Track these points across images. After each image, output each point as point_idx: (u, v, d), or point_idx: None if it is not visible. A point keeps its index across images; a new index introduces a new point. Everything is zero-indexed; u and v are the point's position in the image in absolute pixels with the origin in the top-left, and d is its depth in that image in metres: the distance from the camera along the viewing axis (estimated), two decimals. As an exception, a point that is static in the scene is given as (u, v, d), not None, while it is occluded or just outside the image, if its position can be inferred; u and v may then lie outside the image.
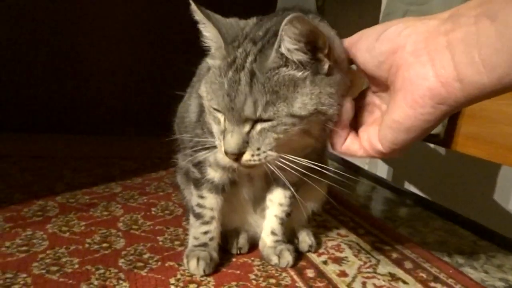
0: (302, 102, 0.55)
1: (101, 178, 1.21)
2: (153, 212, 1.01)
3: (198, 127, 0.75)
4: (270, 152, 0.58)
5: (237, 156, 0.58)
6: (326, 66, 0.55)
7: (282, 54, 0.54)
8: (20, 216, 0.91)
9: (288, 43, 0.53)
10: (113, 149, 1.58)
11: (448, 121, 1.14)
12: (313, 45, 0.54)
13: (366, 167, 1.78)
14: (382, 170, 1.91)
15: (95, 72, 1.81)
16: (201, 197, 0.77)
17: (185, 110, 0.85)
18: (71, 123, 1.78)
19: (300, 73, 0.55)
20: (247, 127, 0.57)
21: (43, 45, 1.70)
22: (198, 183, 0.77)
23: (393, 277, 0.80)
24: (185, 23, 0.61)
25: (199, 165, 0.76)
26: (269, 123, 0.56)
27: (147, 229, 0.91)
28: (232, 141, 0.57)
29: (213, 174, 0.75)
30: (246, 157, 0.58)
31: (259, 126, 0.57)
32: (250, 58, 0.56)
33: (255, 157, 0.58)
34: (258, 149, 0.57)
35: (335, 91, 0.56)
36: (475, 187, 1.56)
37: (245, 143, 0.57)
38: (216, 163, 0.73)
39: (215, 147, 0.64)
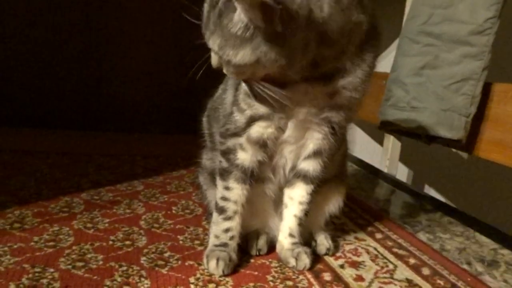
0: (243, 55, 0.60)
1: (124, 175, 1.25)
2: (174, 211, 1.03)
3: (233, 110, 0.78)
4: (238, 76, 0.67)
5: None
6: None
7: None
8: (48, 212, 0.95)
9: (240, 11, 0.57)
10: (136, 147, 1.62)
11: (471, 125, 1.13)
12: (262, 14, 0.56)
13: (385, 170, 1.77)
14: (401, 173, 1.90)
15: (120, 70, 1.86)
16: (227, 188, 0.78)
17: (219, 103, 0.88)
18: (96, 120, 1.84)
19: (247, 33, 0.59)
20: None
21: (70, 44, 1.76)
22: (225, 173, 0.79)
23: (410, 283, 0.80)
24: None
25: (227, 153, 0.78)
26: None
27: (168, 228, 0.93)
28: (211, 59, 0.68)
29: (244, 157, 0.77)
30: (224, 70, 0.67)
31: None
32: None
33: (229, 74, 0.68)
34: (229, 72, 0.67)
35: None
36: (498, 193, 1.54)
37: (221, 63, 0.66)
38: (248, 138, 0.75)
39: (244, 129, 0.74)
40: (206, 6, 0.64)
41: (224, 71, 0.67)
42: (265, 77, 0.66)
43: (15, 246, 0.78)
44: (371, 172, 1.68)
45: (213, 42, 0.63)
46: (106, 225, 0.92)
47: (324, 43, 0.64)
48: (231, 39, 0.60)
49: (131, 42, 1.85)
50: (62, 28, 1.74)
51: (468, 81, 1.09)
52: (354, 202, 1.21)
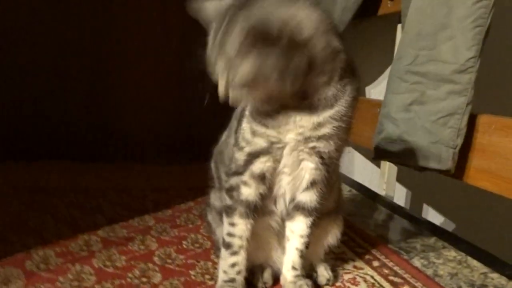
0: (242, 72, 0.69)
1: (136, 211, 1.33)
2: (184, 246, 1.11)
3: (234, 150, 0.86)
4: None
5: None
6: None
7: None
8: (69, 251, 1.03)
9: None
10: (145, 180, 1.70)
11: (460, 155, 1.21)
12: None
13: (383, 193, 1.85)
14: (399, 193, 1.98)
15: (126, 102, 1.95)
16: (232, 224, 0.86)
17: (224, 146, 0.97)
18: (103, 151, 1.93)
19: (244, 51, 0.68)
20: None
21: (77, 75, 1.87)
22: (229, 210, 0.86)
23: (404, 311, 0.87)
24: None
25: (231, 190, 0.86)
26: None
27: (180, 263, 1.01)
28: (219, 91, 0.74)
29: (247, 192, 0.84)
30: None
31: None
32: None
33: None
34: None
35: None
36: (491, 215, 1.61)
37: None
38: (251, 174, 0.83)
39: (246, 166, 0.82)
40: (211, 35, 0.73)
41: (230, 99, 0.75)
42: (264, 99, 0.76)
43: (44, 287, 0.86)
44: (369, 197, 1.76)
45: (219, 66, 0.71)
46: (123, 262, 0.99)
47: (312, 69, 0.73)
48: (230, 62, 0.69)
49: (137, 73, 1.94)
50: (69, 61, 1.84)
51: (454, 116, 1.17)
52: (353, 230, 1.28)
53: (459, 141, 1.18)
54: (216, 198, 0.98)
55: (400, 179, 1.92)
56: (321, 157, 0.82)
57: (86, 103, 1.90)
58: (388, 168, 1.81)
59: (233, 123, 0.94)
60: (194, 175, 1.79)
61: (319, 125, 0.78)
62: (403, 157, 1.24)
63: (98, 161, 1.87)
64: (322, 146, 0.80)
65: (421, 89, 1.21)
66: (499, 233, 1.53)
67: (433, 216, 2.01)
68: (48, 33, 1.81)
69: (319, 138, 0.79)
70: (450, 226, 1.94)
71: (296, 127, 0.78)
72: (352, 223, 1.34)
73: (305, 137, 0.79)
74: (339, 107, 0.77)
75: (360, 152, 2.11)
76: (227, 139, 0.97)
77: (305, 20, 0.70)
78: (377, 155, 1.31)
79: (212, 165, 1.02)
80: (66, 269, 0.94)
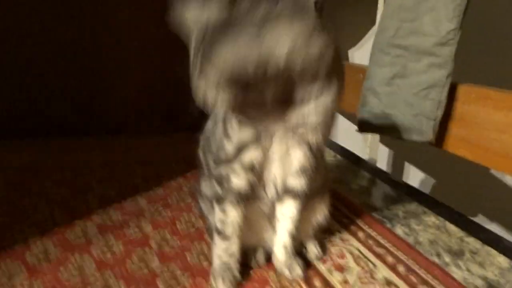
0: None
1: (127, 189, 1.35)
2: (178, 227, 1.15)
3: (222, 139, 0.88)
4: None
5: None
6: None
7: None
8: (66, 239, 1.06)
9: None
10: (132, 153, 1.72)
11: (440, 123, 1.25)
12: None
13: (366, 156, 1.91)
14: (382, 158, 2.04)
15: (107, 72, 1.92)
16: (223, 211, 0.90)
17: (211, 133, 0.98)
18: (86, 125, 1.92)
19: None
20: None
21: (58, 51, 1.82)
22: (220, 198, 0.90)
23: (388, 282, 0.94)
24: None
25: (221, 179, 0.89)
26: None
27: (175, 246, 1.05)
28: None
29: (237, 181, 0.87)
30: None
31: None
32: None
33: None
34: None
35: None
36: (466, 179, 1.68)
37: None
38: (241, 163, 0.85)
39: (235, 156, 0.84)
40: (192, 49, 0.72)
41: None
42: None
43: (46, 279, 0.90)
44: (353, 161, 1.81)
45: (199, 86, 0.71)
46: (121, 248, 1.03)
47: (292, 82, 0.73)
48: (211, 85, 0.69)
49: (116, 44, 1.90)
50: (48, 36, 1.79)
51: (435, 88, 1.20)
52: (339, 199, 1.34)
53: (439, 113, 1.22)
54: (206, 187, 1.01)
55: (382, 140, 1.97)
56: (309, 145, 0.85)
57: (66, 78, 1.86)
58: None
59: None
60: (179, 146, 1.81)
61: (305, 116, 0.80)
62: (386, 130, 1.27)
63: (81, 137, 1.86)
64: (309, 137, 0.82)
65: (403, 62, 1.22)
66: (474, 196, 1.62)
67: (414, 175, 2.10)
68: (30, 14, 1.74)
69: (306, 129, 0.81)
70: (429, 186, 2.03)
71: (282, 119, 0.80)
72: (337, 192, 1.39)
73: (292, 127, 0.81)
74: (326, 98, 0.78)
75: (344, 116, 2.14)
76: (213, 126, 0.98)
77: (279, 46, 0.67)
78: (361, 128, 1.35)
79: (200, 153, 1.03)
80: (65, 259, 0.98)
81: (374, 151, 1.93)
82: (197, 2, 0.74)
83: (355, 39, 2.06)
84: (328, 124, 0.84)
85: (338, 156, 1.88)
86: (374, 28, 1.78)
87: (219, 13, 0.70)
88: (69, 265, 0.95)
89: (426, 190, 1.83)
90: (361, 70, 1.59)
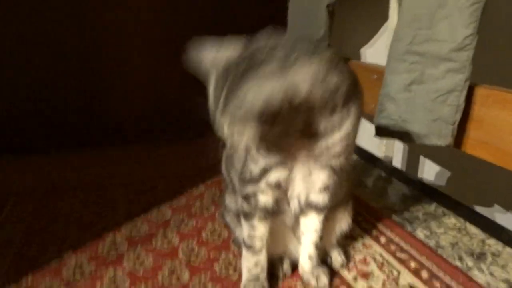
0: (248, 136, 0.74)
1: (151, 203, 1.39)
2: (203, 238, 1.19)
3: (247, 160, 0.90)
4: None
5: None
6: None
7: None
8: (98, 255, 1.10)
9: None
10: (152, 168, 1.74)
11: (458, 126, 1.26)
12: None
13: (382, 155, 1.92)
14: (397, 159, 2.05)
15: (119, 82, 1.93)
16: (252, 227, 0.93)
17: (233, 151, 1.00)
18: (100, 136, 1.93)
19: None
20: None
21: (70, 66, 1.84)
22: (248, 215, 0.93)
23: (412, 288, 0.97)
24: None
25: (248, 197, 0.92)
26: None
27: (204, 258, 1.09)
28: None
29: (264, 199, 0.90)
30: None
31: None
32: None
33: None
34: None
35: None
36: (486, 180, 1.69)
37: None
38: (267, 183, 0.88)
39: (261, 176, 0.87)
40: (212, 90, 0.76)
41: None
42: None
43: (84, 296, 0.94)
44: (369, 161, 1.83)
45: (223, 122, 0.74)
46: (151, 261, 1.07)
47: (312, 111, 0.76)
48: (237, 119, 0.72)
49: (125, 55, 1.90)
50: (59, 54, 1.80)
51: (453, 93, 1.21)
52: (358, 203, 1.36)
53: (458, 117, 1.22)
54: (231, 201, 1.04)
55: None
56: (333, 169, 0.87)
57: (70, 86, 1.86)
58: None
59: None
60: (195, 154, 1.82)
61: (328, 147, 0.83)
62: (404, 136, 1.28)
63: (94, 148, 1.88)
64: (333, 162, 0.86)
65: (420, 68, 1.23)
66: (492, 196, 1.62)
67: (429, 172, 2.11)
68: (30, 14, 1.74)
69: (329, 157, 0.84)
70: (444, 182, 2.03)
71: (306, 154, 0.84)
72: (357, 195, 1.41)
73: (316, 155, 0.84)
74: (346, 128, 0.81)
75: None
76: None
77: (301, 82, 0.71)
78: (379, 133, 1.36)
79: (223, 168, 1.06)
80: (100, 275, 1.02)
81: (390, 149, 1.94)
82: (213, 44, 0.78)
83: (367, 37, 2.06)
84: (350, 149, 0.87)
85: (354, 155, 1.89)
86: (386, 25, 1.78)
87: (238, 53, 0.74)
88: (104, 279, 0.99)
89: (442, 186, 1.84)
90: (375, 70, 1.60)
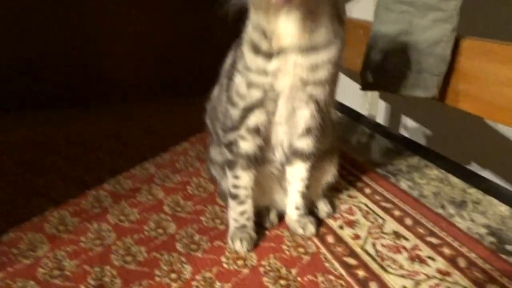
0: None
1: (134, 158, 1.36)
2: (189, 191, 1.18)
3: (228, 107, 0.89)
4: None
5: None
6: None
7: None
8: (82, 210, 1.08)
9: None
10: (136, 123, 1.71)
11: (444, 79, 1.26)
12: None
13: (366, 112, 1.92)
14: (380, 112, 2.06)
15: (107, 37, 1.88)
16: (236, 177, 0.92)
17: (217, 103, 0.99)
18: (87, 94, 1.90)
19: None
20: None
21: (57, 18, 1.76)
22: (231, 164, 0.92)
23: (397, 234, 0.99)
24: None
25: (230, 145, 0.91)
26: None
27: (190, 210, 1.08)
28: None
29: (245, 146, 0.90)
30: None
31: None
32: None
33: None
34: None
35: None
36: (467, 131, 1.71)
37: None
38: (247, 129, 0.87)
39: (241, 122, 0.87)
40: None
41: None
42: None
43: (69, 249, 0.92)
44: (353, 118, 1.83)
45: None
46: (137, 215, 1.06)
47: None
48: None
49: (116, 9, 1.84)
50: (45, 3, 1.73)
51: (440, 44, 1.20)
52: (344, 158, 1.36)
53: (444, 68, 1.22)
54: (216, 153, 1.03)
55: (382, 96, 1.98)
56: (317, 104, 0.86)
57: (62, 45, 1.81)
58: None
59: (223, 80, 0.96)
60: (180, 111, 1.81)
61: (317, 67, 0.81)
62: (390, 87, 1.28)
63: (81, 107, 1.84)
64: (318, 91, 0.84)
65: (408, 18, 1.21)
66: (473, 146, 1.65)
67: (411, 128, 2.13)
68: None
69: (315, 82, 0.82)
70: (425, 138, 2.06)
71: (295, 67, 0.81)
72: (343, 151, 1.42)
73: (303, 80, 0.82)
74: (334, 50, 0.80)
75: (343, 73, 2.14)
76: (219, 95, 0.98)
77: None
78: (365, 86, 1.35)
79: (208, 121, 1.04)
80: (84, 228, 1.00)
81: (374, 106, 1.94)
82: None
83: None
84: (334, 79, 0.86)
85: (338, 113, 1.89)
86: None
87: None
88: (89, 234, 0.98)
89: (423, 142, 1.87)
90: (361, 26, 1.57)
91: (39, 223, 1.02)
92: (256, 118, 0.87)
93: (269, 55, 0.80)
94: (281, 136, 0.91)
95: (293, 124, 0.89)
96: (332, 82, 0.85)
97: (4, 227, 0.99)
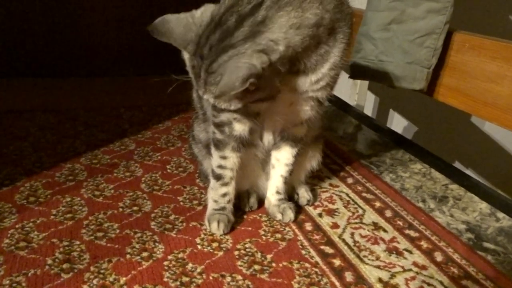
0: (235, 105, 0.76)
1: (114, 134, 1.33)
2: (168, 170, 1.15)
3: None
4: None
5: None
6: None
7: None
8: (55, 182, 1.04)
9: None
10: (118, 97, 1.66)
11: (433, 72, 1.25)
12: None
13: (354, 103, 1.91)
14: (368, 104, 2.05)
15: (91, 11, 1.82)
16: (223, 157, 0.89)
17: None
18: (70, 65, 1.84)
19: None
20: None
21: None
22: (220, 144, 0.89)
23: (376, 226, 0.97)
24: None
25: (221, 125, 0.87)
26: None
27: (167, 189, 1.05)
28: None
29: (240, 128, 0.86)
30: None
31: None
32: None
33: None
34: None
35: None
36: (455, 128, 1.71)
37: None
38: (245, 111, 0.84)
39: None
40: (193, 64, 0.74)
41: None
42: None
43: (38, 221, 0.89)
44: (341, 107, 1.81)
45: (211, 94, 0.73)
46: (112, 191, 1.02)
47: (296, 57, 0.74)
48: (228, 97, 0.72)
49: None
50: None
51: (432, 35, 1.18)
52: (328, 146, 1.35)
53: (434, 61, 1.20)
54: (200, 131, 0.99)
55: (371, 87, 1.97)
56: (318, 100, 0.85)
57: (48, 15, 1.75)
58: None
59: None
60: (165, 89, 1.76)
61: (317, 81, 0.79)
62: (379, 77, 1.26)
63: (64, 77, 1.79)
64: (319, 94, 0.82)
65: (401, 7, 1.19)
66: (458, 145, 1.66)
67: (397, 122, 2.13)
68: None
69: (317, 89, 0.81)
70: (412, 131, 2.06)
71: (291, 89, 0.80)
72: (327, 139, 1.40)
73: (302, 92, 0.81)
74: (334, 58, 0.78)
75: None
76: None
77: (279, 40, 0.69)
78: (354, 74, 1.33)
79: (194, 95, 1.00)
80: (56, 201, 0.97)
81: (362, 97, 1.92)
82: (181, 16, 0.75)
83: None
84: (337, 77, 0.83)
85: (327, 103, 1.87)
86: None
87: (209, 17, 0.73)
88: (61, 208, 0.94)
89: (409, 137, 1.87)
90: (355, 14, 1.54)
91: (8, 193, 0.98)
92: (256, 105, 0.83)
93: None
94: (276, 122, 0.89)
95: (291, 114, 0.87)
96: (334, 81, 0.83)
97: (-29, 195, 0.96)
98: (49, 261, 0.78)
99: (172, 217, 0.94)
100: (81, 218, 0.91)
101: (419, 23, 1.18)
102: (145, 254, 0.82)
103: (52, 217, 0.91)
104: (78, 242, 0.83)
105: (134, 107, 1.56)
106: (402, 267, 0.84)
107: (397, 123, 2.11)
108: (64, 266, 0.77)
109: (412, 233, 0.95)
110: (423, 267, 0.85)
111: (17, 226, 0.87)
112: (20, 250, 0.80)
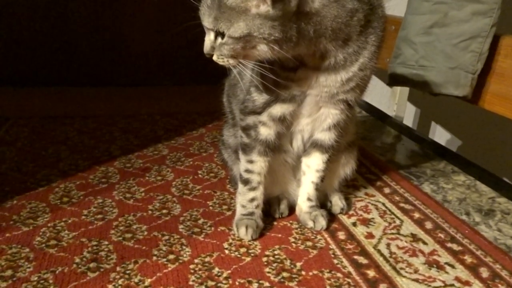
0: (237, 28, 0.66)
1: (148, 139, 1.34)
2: (199, 175, 1.14)
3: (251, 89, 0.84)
4: (230, 60, 0.71)
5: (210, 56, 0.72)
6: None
7: None
8: (89, 184, 1.05)
9: None
10: (154, 104, 1.69)
11: (478, 78, 1.18)
12: None
13: (393, 114, 1.84)
14: (408, 115, 1.97)
15: (132, 22, 1.87)
16: (250, 161, 0.87)
17: (237, 80, 0.93)
18: (110, 76, 1.89)
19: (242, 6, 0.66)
20: (211, 36, 0.70)
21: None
22: (247, 148, 0.87)
23: (415, 237, 0.91)
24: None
25: (248, 129, 0.86)
26: (222, 39, 0.69)
27: (197, 194, 1.04)
28: (204, 44, 0.72)
29: (266, 132, 0.84)
30: (214, 57, 0.72)
31: (219, 39, 0.69)
32: None
33: (220, 60, 0.72)
34: (221, 55, 0.71)
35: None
36: (501, 140, 1.61)
37: (213, 48, 0.71)
38: (270, 116, 0.83)
39: (264, 108, 0.82)
40: None
41: (215, 57, 0.72)
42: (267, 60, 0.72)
43: (70, 221, 0.90)
44: (379, 118, 1.75)
45: (208, 16, 0.68)
46: (143, 194, 1.02)
47: (324, 36, 0.70)
48: (226, 12, 0.66)
49: None
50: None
51: (477, 39, 1.12)
52: (364, 155, 1.30)
53: (479, 66, 1.14)
54: (229, 136, 0.98)
55: (411, 97, 1.90)
56: (348, 104, 0.82)
57: (91, 26, 1.82)
58: (400, 89, 1.78)
59: None
60: (201, 98, 1.78)
61: (347, 81, 0.77)
62: (419, 84, 1.20)
63: (104, 86, 1.84)
64: (349, 96, 0.80)
65: (444, 9, 1.13)
66: (506, 157, 1.55)
67: (440, 134, 2.03)
68: None
69: (346, 91, 0.79)
70: (456, 144, 1.96)
71: (320, 86, 0.78)
72: (363, 148, 1.35)
73: (332, 94, 0.79)
74: (363, 59, 0.76)
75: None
76: (240, 71, 0.93)
77: None
78: (393, 81, 1.28)
79: (225, 99, 0.99)
80: (88, 202, 0.97)
81: (402, 108, 1.85)
82: None
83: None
84: (366, 80, 0.81)
85: (364, 112, 1.81)
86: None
87: None
88: (93, 208, 0.95)
89: (453, 146, 1.77)
90: (392, 21, 1.49)
91: (44, 193, 1.00)
92: (281, 109, 0.82)
93: (293, 69, 0.77)
94: (303, 127, 0.86)
95: (318, 118, 0.85)
96: (364, 84, 0.81)
97: (9, 194, 0.98)
98: (77, 260, 0.78)
99: (200, 221, 0.92)
100: (111, 219, 0.91)
101: (463, 26, 1.12)
102: (171, 256, 0.80)
103: (83, 217, 0.91)
104: (106, 242, 0.83)
105: (170, 114, 1.58)
106: (443, 281, 0.78)
107: (440, 135, 2.02)
108: (91, 265, 0.76)
109: (454, 247, 0.88)
110: (467, 283, 0.78)
111: (49, 225, 0.88)
112: (50, 248, 0.80)
